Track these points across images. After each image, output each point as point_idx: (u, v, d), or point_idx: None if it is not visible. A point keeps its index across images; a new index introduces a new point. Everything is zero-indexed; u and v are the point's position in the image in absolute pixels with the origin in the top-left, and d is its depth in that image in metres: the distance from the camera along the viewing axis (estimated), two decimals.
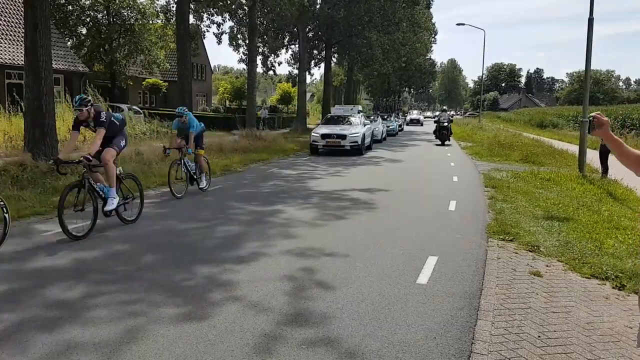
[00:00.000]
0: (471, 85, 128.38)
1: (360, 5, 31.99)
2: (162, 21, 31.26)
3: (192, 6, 24.52)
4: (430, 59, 67.63)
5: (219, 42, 74.30)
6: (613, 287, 5.03)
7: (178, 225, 7.23)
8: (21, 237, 6.39)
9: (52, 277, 4.88)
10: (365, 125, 21.00)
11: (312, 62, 41.09)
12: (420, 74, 64.82)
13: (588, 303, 4.58)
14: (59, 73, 22.80)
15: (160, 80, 39.28)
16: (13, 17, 23.11)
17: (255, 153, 17.86)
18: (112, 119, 6.92)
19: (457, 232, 7.10)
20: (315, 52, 40.57)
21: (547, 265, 5.69)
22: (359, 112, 22.62)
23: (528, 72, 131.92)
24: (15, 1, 23.29)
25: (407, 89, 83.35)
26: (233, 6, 28.57)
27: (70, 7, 30.79)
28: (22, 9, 12.58)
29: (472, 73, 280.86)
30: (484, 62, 57.99)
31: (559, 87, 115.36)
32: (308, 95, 65.79)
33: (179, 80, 19.22)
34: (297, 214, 8.19)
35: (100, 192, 6.69)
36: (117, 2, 31.12)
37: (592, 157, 15.27)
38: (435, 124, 27.33)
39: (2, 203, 5.75)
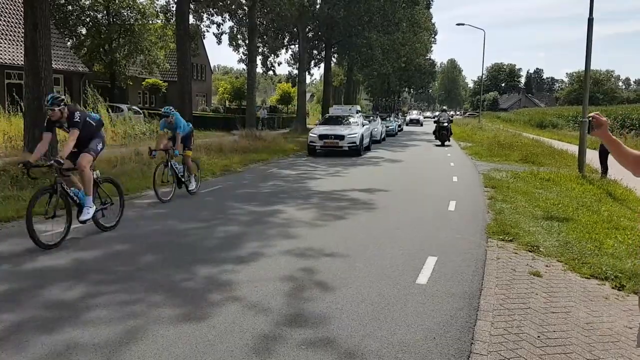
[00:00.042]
0: (471, 85, 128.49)
1: (360, 5, 31.99)
2: (162, 21, 31.26)
3: (192, 6, 24.53)
4: (430, 59, 67.66)
5: (219, 42, 74.31)
6: (612, 287, 5.03)
7: (178, 225, 7.23)
8: (21, 237, 6.38)
9: (52, 277, 4.88)
10: (363, 126, 20.75)
11: (312, 62, 41.11)
12: (420, 74, 64.82)
13: (587, 303, 4.58)
14: (58, 73, 22.79)
15: (160, 80, 39.27)
16: (13, 17, 23.11)
17: (255, 153, 17.86)
18: (88, 119, 6.51)
19: (456, 232, 7.10)
20: (315, 52, 40.58)
21: (547, 266, 5.69)
22: (357, 112, 22.28)
23: (528, 72, 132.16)
24: (15, 1, 23.29)
25: (406, 89, 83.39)
26: (233, 6, 28.57)
27: (70, 7, 30.78)
28: (22, 9, 12.58)
29: (471, 73, 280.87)
30: (484, 62, 58.08)
31: (559, 87, 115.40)
32: (308, 95, 65.80)
33: (179, 81, 19.22)
34: (297, 214, 8.19)
35: (75, 198, 6.29)
36: (117, 2, 31.10)
37: (592, 157, 15.27)
38: (435, 125, 27.18)
39: None
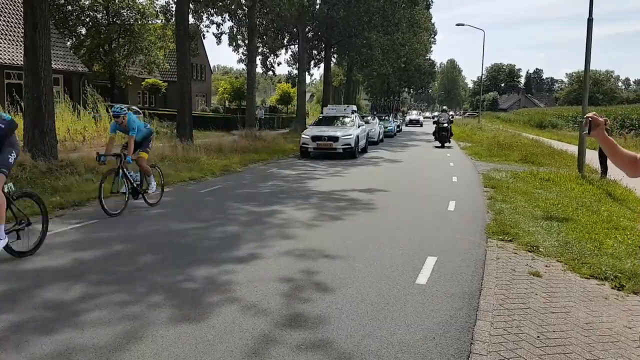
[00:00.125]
0: (470, 85, 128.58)
1: (360, 6, 31.99)
2: (161, 21, 31.22)
3: (191, 6, 24.51)
4: (429, 59, 67.68)
5: (219, 42, 74.22)
6: (612, 288, 5.03)
7: (177, 225, 7.23)
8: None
9: (51, 278, 4.88)
10: (359, 127, 19.90)
11: (312, 63, 41.10)
12: (419, 74, 64.83)
13: (587, 303, 4.58)
14: (58, 73, 22.79)
15: (160, 80, 39.28)
16: (13, 17, 23.10)
17: (254, 153, 17.86)
18: None
19: (456, 232, 7.10)
20: (315, 52, 40.58)
21: (547, 266, 5.69)
22: (353, 112, 21.22)
23: (527, 73, 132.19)
24: (15, 1, 23.27)
25: (406, 89, 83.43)
26: (233, 6, 28.55)
27: (69, 7, 30.77)
28: (22, 9, 12.57)
29: (471, 73, 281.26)
30: (484, 62, 58.14)
31: (559, 87, 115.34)
32: (307, 95, 65.79)
33: (179, 81, 19.18)
34: (297, 214, 8.19)
35: None
36: (116, 2, 31.09)
37: (592, 157, 15.29)
38: (435, 125, 26.90)
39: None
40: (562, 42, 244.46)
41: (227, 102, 50.36)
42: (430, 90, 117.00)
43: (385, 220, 7.84)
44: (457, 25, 43.09)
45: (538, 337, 3.84)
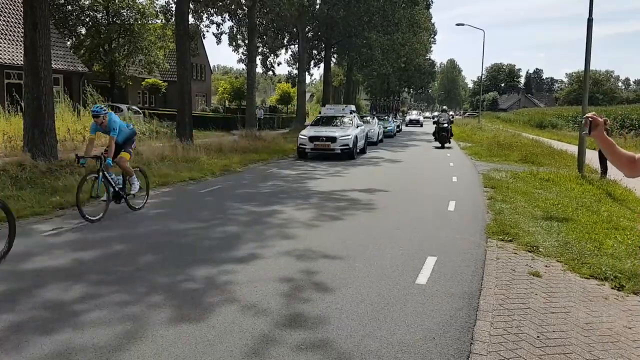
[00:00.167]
0: (470, 85, 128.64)
1: (360, 6, 32.01)
2: (161, 21, 31.24)
3: (191, 6, 24.51)
4: (429, 59, 67.69)
5: (219, 42, 74.49)
6: (612, 288, 5.03)
7: (177, 225, 7.23)
8: (20, 237, 6.37)
9: (51, 278, 4.88)
10: (358, 127, 19.49)
11: (312, 62, 41.14)
12: (419, 74, 64.86)
13: (587, 303, 4.58)
14: (58, 73, 22.79)
15: (160, 80, 39.30)
16: (12, 17, 23.10)
17: (254, 153, 17.85)
18: None
19: (456, 232, 7.10)
20: (315, 52, 40.61)
21: (546, 266, 5.69)
22: (351, 112, 20.84)
23: (527, 73, 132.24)
24: (15, 1, 23.27)
25: (406, 89, 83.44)
26: (232, 6, 28.56)
27: (69, 7, 30.79)
28: (22, 9, 12.57)
29: (471, 73, 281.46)
30: (484, 62, 58.17)
31: (558, 87, 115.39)
32: (307, 95, 65.83)
33: (179, 81, 19.19)
34: (297, 214, 8.19)
35: None
36: (116, 2, 31.11)
37: (592, 157, 15.29)
38: (434, 125, 26.73)
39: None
40: (562, 42, 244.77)
41: (227, 102, 50.40)
42: (430, 90, 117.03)
43: (385, 220, 7.84)
44: (457, 25, 43.05)
45: (538, 337, 3.84)
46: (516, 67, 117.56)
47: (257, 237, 6.60)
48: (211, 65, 57.48)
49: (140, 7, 31.93)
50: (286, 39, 38.75)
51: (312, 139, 17.59)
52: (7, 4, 23.35)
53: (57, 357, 3.35)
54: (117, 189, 7.76)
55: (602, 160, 13.85)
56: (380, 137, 27.19)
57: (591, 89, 61.00)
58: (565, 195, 10.40)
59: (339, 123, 19.47)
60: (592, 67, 16.42)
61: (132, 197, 8.08)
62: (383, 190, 10.77)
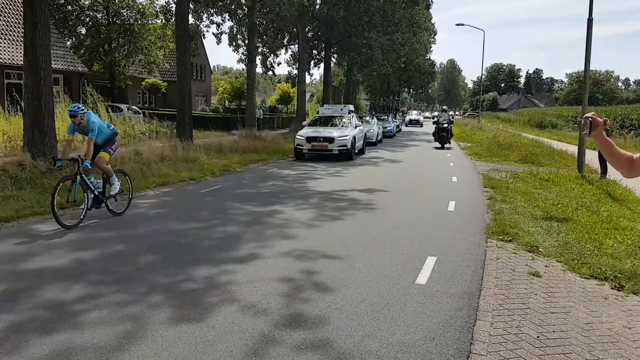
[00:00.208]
0: (470, 85, 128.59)
1: (360, 6, 32.00)
2: (161, 21, 31.24)
3: (191, 6, 24.51)
4: (429, 59, 67.65)
5: (219, 42, 74.45)
6: (612, 288, 5.03)
7: (177, 225, 7.23)
8: (20, 236, 6.38)
9: (51, 278, 4.88)
10: (356, 127, 19.18)
11: (312, 62, 41.11)
12: (419, 74, 64.83)
13: (587, 303, 4.59)
14: (58, 73, 22.79)
15: (160, 80, 39.30)
16: (12, 17, 23.10)
17: (254, 153, 17.86)
18: None
19: (456, 232, 7.10)
20: (315, 52, 40.59)
21: (546, 266, 5.69)
22: (349, 113, 20.55)
23: (527, 73, 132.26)
24: (15, 1, 23.28)
25: (406, 89, 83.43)
26: (233, 6, 28.55)
27: (69, 7, 30.79)
28: (22, 9, 12.57)
29: (471, 73, 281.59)
30: (484, 62, 58.17)
31: (558, 87, 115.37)
32: (307, 95, 65.79)
33: (179, 81, 19.18)
34: (296, 214, 8.19)
35: None
36: (116, 2, 31.11)
37: (591, 157, 15.29)
38: (434, 125, 26.61)
39: None
40: (562, 42, 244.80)
41: (227, 102, 50.41)
42: (430, 90, 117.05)
43: (385, 220, 7.84)
44: (457, 25, 43.11)
45: (538, 337, 3.84)
46: (516, 67, 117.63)
47: (257, 237, 6.60)
48: (211, 65, 57.52)
49: (140, 7, 31.93)
50: (286, 39, 38.74)
51: (309, 139, 17.34)
52: (7, 4, 23.35)
53: (57, 357, 3.35)
54: (96, 193, 7.32)
55: (602, 160, 13.84)
56: (379, 137, 26.99)
57: (591, 89, 61.02)
58: (565, 195, 10.40)
59: (337, 123, 19.29)
60: (592, 67, 16.41)
61: (112, 200, 7.65)
62: (383, 191, 10.77)
